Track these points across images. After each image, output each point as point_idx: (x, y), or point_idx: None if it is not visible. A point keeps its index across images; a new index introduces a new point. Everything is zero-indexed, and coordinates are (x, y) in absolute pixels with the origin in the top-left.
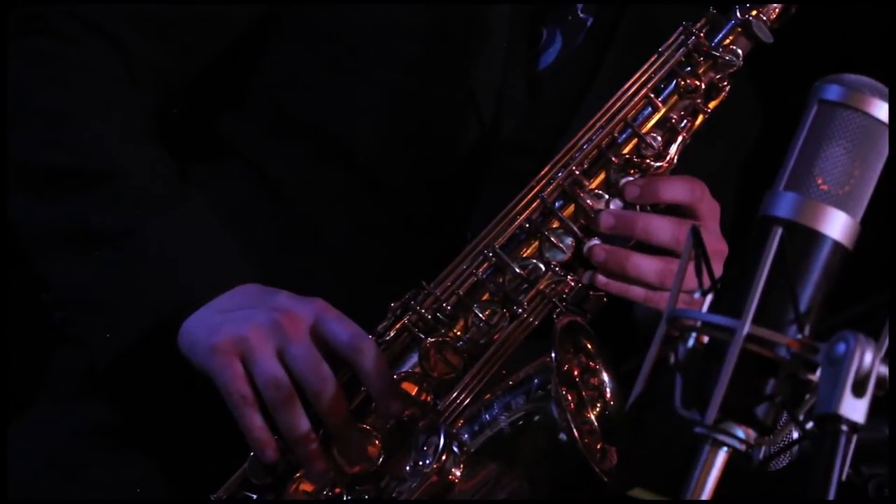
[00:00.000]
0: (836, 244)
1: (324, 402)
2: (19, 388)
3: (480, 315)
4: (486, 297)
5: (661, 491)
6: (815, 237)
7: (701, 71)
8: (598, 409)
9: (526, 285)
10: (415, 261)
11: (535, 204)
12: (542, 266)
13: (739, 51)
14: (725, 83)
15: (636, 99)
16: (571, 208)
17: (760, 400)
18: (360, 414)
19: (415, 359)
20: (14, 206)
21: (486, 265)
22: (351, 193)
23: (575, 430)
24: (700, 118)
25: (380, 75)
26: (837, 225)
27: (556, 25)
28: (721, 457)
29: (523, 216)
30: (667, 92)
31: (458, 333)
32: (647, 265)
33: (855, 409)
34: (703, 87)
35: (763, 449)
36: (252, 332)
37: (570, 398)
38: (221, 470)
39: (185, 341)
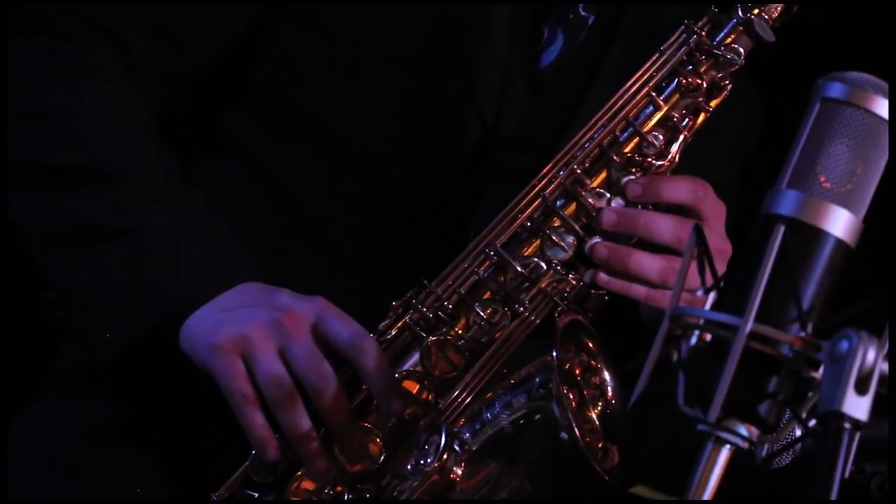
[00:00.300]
0: (839, 242)
1: (325, 401)
2: (21, 387)
3: (482, 314)
4: (487, 295)
5: (664, 489)
6: (818, 235)
7: (703, 69)
8: (599, 408)
9: (527, 284)
10: (416, 259)
11: (536, 202)
12: (543, 265)
13: (741, 49)
14: (727, 82)
15: (638, 97)
16: (573, 207)
17: (763, 397)
18: (362, 412)
19: (416, 357)
20: (14, 205)
21: (487, 264)
22: (352, 191)
23: (576, 429)
24: (702, 117)
25: (381, 74)
26: (840, 222)
27: (558, 24)
28: (724, 454)
29: (525, 215)
30: (668, 90)
31: (460, 332)
32: (648, 263)
33: (858, 406)
34: (705, 85)
35: (766, 447)
36: (253, 331)
37: (571, 397)
38: (223, 468)
39: (186, 340)
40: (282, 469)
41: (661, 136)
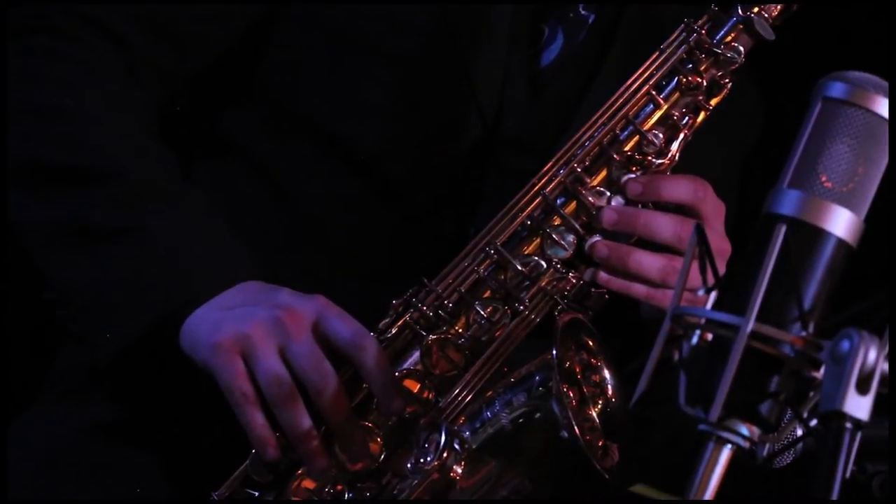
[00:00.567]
0: (840, 241)
1: (325, 400)
2: (21, 387)
3: (482, 312)
4: (487, 294)
5: (664, 488)
6: (819, 234)
7: (703, 68)
8: (599, 407)
9: (527, 282)
10: (416, 258)
11: (536, 201)
12: (543, 263)
13: (741, 48)
14: (727, 80)
15: (638, 96)
16: (573, 205)
17: (764, 397)
18: (362, 411)
19: (416, 356)
20: (14, 205)
21: (487, 262)
22: (352, 191)
23: (576, 428)
24: (702, 115)
25: (382, 73)
26: (841, 222)
27: (558, 23)
28: (725, 454)
29: (525, 213)
30: (668, 89)
31: (460, 331)
32: (649, 262)
33: (859, 406)
34: (705, 84)
35: (767, 446)
36: (254, 330)
37: (571, 395)
38: (223, 467)
39: (186, 339)
40: (282, 468)
41: (661, 135)
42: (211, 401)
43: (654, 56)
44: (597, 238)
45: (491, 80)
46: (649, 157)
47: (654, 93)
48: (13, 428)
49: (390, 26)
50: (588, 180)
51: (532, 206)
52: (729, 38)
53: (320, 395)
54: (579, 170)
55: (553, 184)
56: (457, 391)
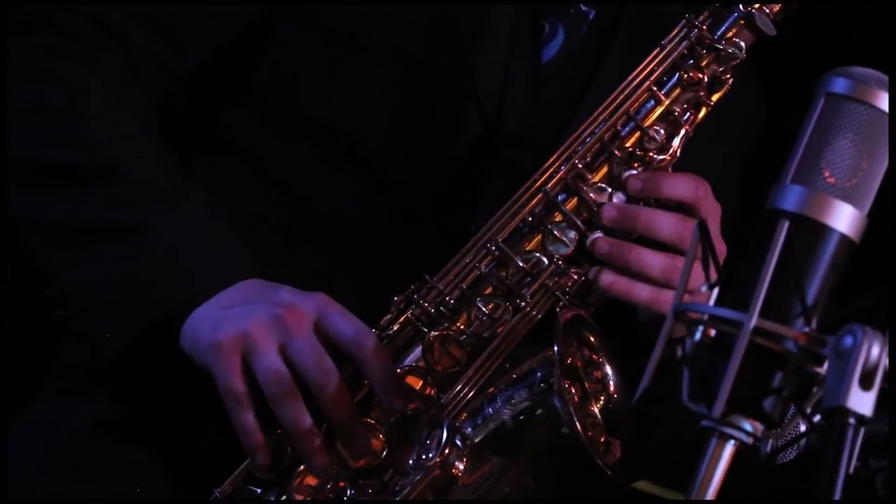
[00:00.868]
0: (843, 237)
1: (327, 396)
2: (22, 385)
3: (483, 309)
4: (489, 290)
5: (666, 484)
6: (822, 230)
7: (704, 64)
8: (601, 403)
9: (529, 279)
10: (418, 255)
11: (538, 197)
12: (545, 259)
13: (742, 43)
14: (728, 76)
15: (639, 92)
16: (574, 202)
17: (768, 393)
18: (364, 408)
19: (418, 352)
20: (15, 203)
21: (489, 259)
22: (353, 188)
23: (578, 424)
24: (703, 111)
25: (382, 70)
26: (844, 218)
27: (559, 19)
28: (728, 450)
29: (526, 210)
30: (670, 85)
31: (462, 327)
32: (651, 259)
33: (862, 401)
34: (706, 79)
35: (770, 442)
36: (254, 328)
37: (573, 391)
38: (226, 464)
39: (186, 339)
40: (284, 465)
41: (662, 131)
42: (212, 397)
43: (655, 52)
44: (598, 234)
45: (492, 77)
46: (650, 154)
47: (655, 89)
48: (14, 425)
49: (391, 24)
50: (589, 176)
51: (533, 202)
52: (730, 34)
53: (322, 392)
54: (580, 166)
55: (554, 180)
56: (458, 388)
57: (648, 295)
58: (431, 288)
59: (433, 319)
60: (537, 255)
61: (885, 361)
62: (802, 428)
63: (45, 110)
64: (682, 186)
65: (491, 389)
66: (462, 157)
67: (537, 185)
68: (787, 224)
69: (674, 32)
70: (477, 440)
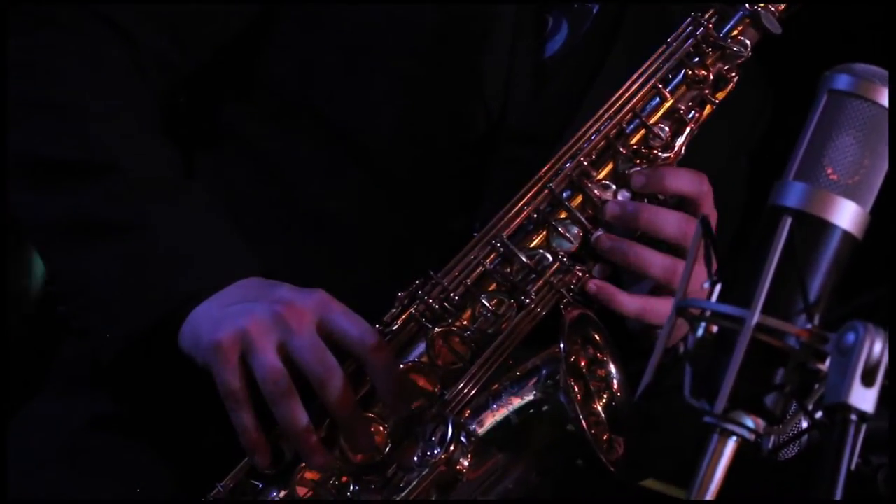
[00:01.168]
0: (846, 234)
1: (330, 392)
2: (23, 380)
3: (488, 305)
4: (493, 287)
5: (669, 481)
6: (825, 227)
7: (709, 61)
8: (604, 401)
9: (533, 275)
10: (422, 251)
11: (543, 194)
12: (549, 256)
13: (748, 41)
14: (734, 74)
15: (644, 89)
16: (579, 199)
17: (770, 389)
18: (367, 403)
19: (422, 348)
20: (16, 199)
21: (493, 255)
22: (357, 183)
23: (583, 421)
24: (708, 109)
25: (386, 65)
26: (847, 214)
27: (562, 13)
28: (730, 446)
29: (531, 206)
30: (675, 82)
31: (466, 323)
32: (652, 258)
33: (864, 398)
34: (712, 77)
35: (772, 438)
36: (252, 326)
37: (577, 389)
38: (228, 459)
39: (187, 337)
40: (287, 459)
41: (667, 128)
42: (214, 393)
43: (661, 49)
44: (602, 232)
45: (495, 72)
46: (655, 151)
47: (660, 86)
48: (15, 420)
49: (394, 18)
50: (594, 174)
51: (538, 199)
52: (735, 32)
53: (325, 388)
54: (585, 163)
55: (559, 177)
56: (462, 384)
57: (636, 309)
58: (436, 284)
59: (437, 315)
60: (542, 251)
61: (887, 358)
62: (804, 424)
63: (46, 107)
64: (684, 180)
65: (495, 386)
66: (466, 152)
67: (542, 181)
68: (789, 220)
69: (679, 30)
70: (481, 436)
